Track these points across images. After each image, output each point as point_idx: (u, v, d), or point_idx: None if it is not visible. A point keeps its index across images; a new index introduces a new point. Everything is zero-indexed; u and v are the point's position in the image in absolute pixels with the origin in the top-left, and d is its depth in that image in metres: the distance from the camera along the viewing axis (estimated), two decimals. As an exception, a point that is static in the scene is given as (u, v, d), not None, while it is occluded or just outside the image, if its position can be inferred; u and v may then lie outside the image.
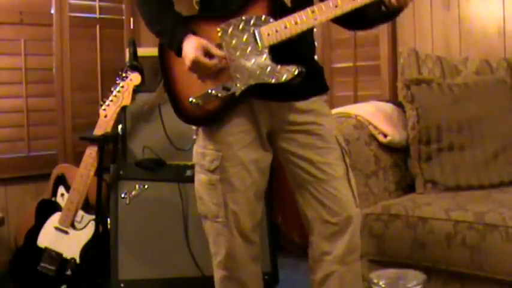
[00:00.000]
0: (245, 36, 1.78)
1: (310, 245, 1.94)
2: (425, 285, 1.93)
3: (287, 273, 3.00)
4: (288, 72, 1.76)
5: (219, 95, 1.79)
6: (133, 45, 2.95)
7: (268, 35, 1.77)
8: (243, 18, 1.78)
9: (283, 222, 3.59)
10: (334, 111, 2.64)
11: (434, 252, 2.18)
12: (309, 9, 1.76)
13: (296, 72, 1.76)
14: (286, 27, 1.76)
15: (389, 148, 2.59)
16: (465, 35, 3.00)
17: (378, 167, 2.52)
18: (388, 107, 2.70)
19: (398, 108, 2.68)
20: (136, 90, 2.93)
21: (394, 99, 2.87)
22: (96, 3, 3.56)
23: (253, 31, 1.77)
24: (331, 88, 3.48)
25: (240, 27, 1.78)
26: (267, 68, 1.77)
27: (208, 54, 1.75)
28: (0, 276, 3.10)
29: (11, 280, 2.98)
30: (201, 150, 1.91)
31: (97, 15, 3.57)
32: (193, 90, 1.81)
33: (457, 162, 2.48)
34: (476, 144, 2.49)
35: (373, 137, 2.56)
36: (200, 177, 1.92)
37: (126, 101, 2.91)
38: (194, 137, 1.97)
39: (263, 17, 1.78)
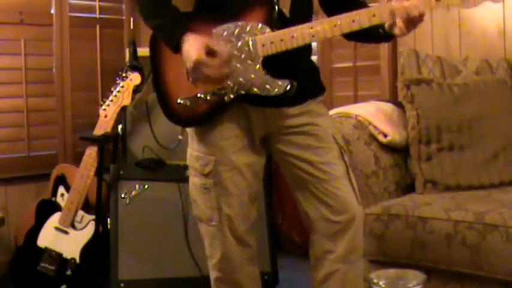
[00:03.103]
0: (239, 44, 1.72)
1: (312, 244, 1.92)
2: (425, 285, 1.93)
3: (287, 273, 2.99)
4: (279, 87, 1.72)
5: (208, 98, 1.74)
6: (134, 45, 2.95)
7: (263, 45, 1.71)
8: (239, 24, 1.72)
9: (283, 222, 3.59)
10: (334, 111, 2.64)
11: (434, 252, 2.18)
12: (307, 25, 1.70)
13: (288, 88, 1.71)
14: (282, 40, 1.69)
15: (389, 148, 2.59)
16: (465, 35, 2.99)
17: (378, 167, 2.52)
18: (388, 107, 2.70)
19: (398, 108, 2.68)
20: (137, 90, 2.93)
21: (394, 99, 2.86)
22: (96, 3, 3.56)
23: (248, 40, 1.71)
24: (331, 88, 3.49)
25: (235, 33, 1.72)
26: (258, 80, 1.72)
27: (211, 53, 1.65)
28: (0, 276, 3.10)
29: (11, 280, 2.98)
30: (195, 154, 1.87)
31: (97, 15, 3.57)
32: (184, 92, 1.76)
33: (457, 162, 2.48)
34: (476, 144, 2.48)
35: (373, 137, 2.55)
36: (194, 180, 1.89)
37: (126, 101, 2.92)
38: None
39: (259, 26, 1.71)
